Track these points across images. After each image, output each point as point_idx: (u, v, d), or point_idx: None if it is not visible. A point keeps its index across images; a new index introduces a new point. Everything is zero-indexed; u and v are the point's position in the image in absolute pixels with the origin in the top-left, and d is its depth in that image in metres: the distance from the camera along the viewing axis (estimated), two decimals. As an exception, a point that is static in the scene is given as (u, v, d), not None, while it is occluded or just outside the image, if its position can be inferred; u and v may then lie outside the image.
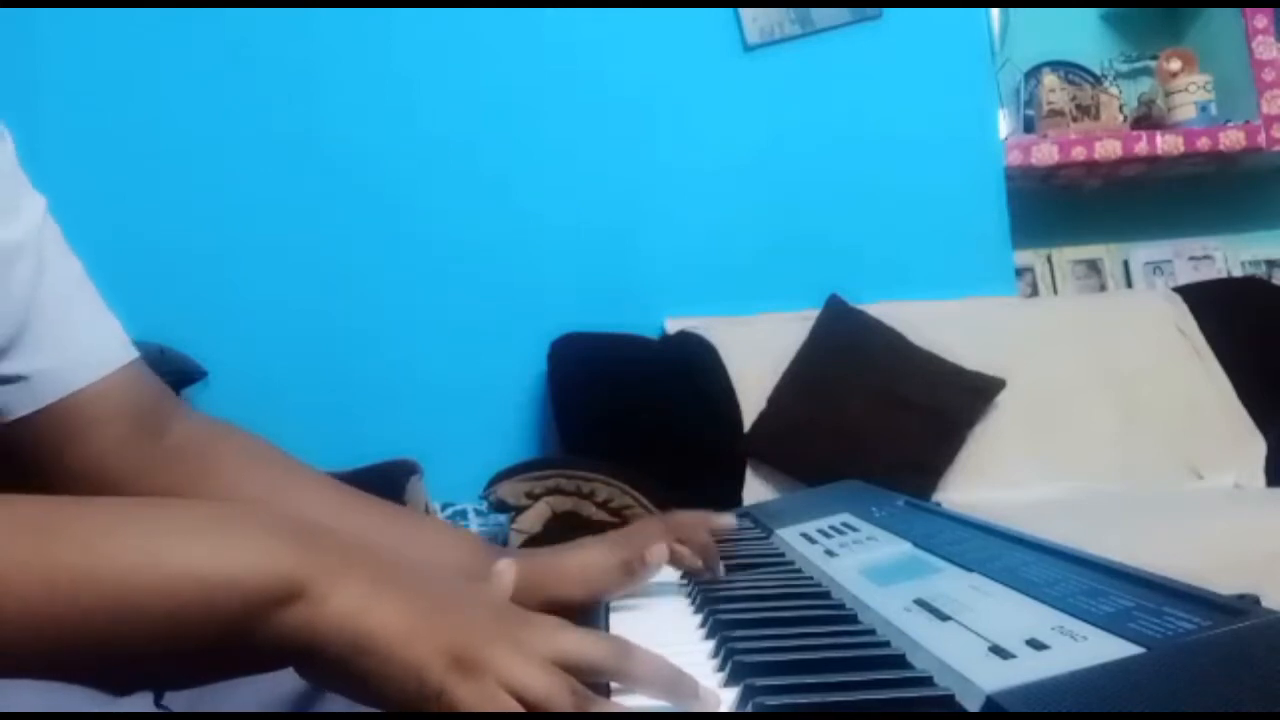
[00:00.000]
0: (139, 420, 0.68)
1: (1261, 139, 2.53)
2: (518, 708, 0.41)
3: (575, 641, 0.44)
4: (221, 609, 0.40)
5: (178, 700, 0.50)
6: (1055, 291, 2.73)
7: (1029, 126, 2.68)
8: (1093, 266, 2.77)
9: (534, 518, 1.85)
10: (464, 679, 0.41)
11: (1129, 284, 2.75)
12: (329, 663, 0.41)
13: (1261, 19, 2.59)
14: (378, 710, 0.42)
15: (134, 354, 0.70)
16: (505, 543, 1.86)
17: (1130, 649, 0.39)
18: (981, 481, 2.07)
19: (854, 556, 0.67)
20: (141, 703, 0.39)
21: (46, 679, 0.39)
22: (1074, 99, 2.66)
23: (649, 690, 0.44)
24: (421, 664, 0.41)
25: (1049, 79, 2.68)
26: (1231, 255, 2.77)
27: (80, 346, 0.66)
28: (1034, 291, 2.73)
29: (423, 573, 0.47)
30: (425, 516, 0.74)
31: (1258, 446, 2.16)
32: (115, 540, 0.40)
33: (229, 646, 0.41)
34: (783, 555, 0.76)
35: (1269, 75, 2.56)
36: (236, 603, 0.40)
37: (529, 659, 0.42)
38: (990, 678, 0.39)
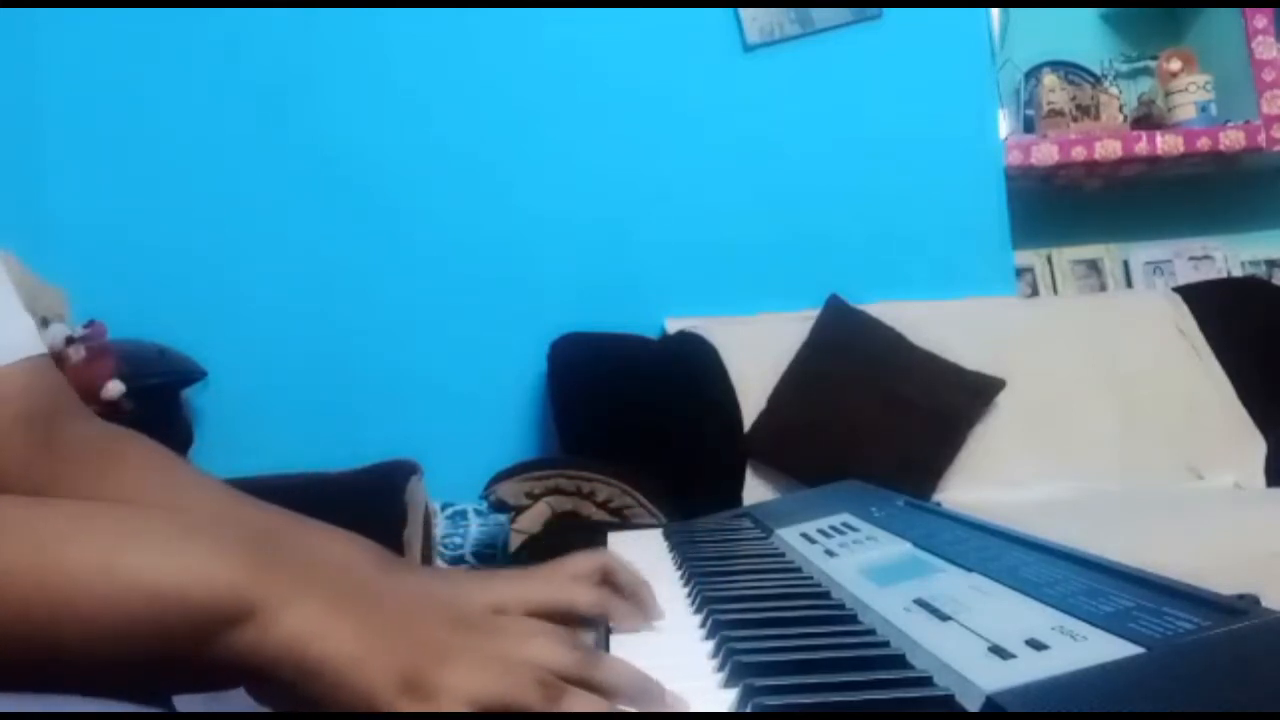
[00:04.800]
0: (33, 416, 0.66)
1: (1261, 139, 2.53)
2: None
3: (539, 648, 0.44)
4: (170, 625, 0.39)
5: (188, 701, 0.50)
6: (1055, 291, 2.73)
7: (1029, 126, 2.68)
8: (1093, 266, 2.77)
9: (534, 518, 1.85)
10: (415, 703, 0.40)
11: (1129, 284, 2.75)
12: (279, 686, 0.40)
13: (1261, 19, 2.59)
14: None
15: (40, 350, 0.68)
16: (506, 543, 1.86)
17: (1130, 649, 0.39)
18: (981, 481, 2.07)
19: (854, 556, 0.67)
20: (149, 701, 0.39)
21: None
22: (1074, 99, 2.66)
23: (616, 698, 0.44)
24: (371, 690, 0.40)
25: (1049, 79, 2.68)
26: (1231, 255, 2.77)
27: None
28: (1034, 291, 2.72)
29: (385, 585, 0.46)
30: (322, 528, 0.69)
31: (1258, 446, 2.16)
32: (68, 545, 0.40)
33: (177, 662, 0.40)
34: (783, 555, 0.76)
35: (1269, 75, 2.56)
36: (185, 621, 0.39)
37: (487, 665, 0.42)
38: (990, 678, 0.39)
